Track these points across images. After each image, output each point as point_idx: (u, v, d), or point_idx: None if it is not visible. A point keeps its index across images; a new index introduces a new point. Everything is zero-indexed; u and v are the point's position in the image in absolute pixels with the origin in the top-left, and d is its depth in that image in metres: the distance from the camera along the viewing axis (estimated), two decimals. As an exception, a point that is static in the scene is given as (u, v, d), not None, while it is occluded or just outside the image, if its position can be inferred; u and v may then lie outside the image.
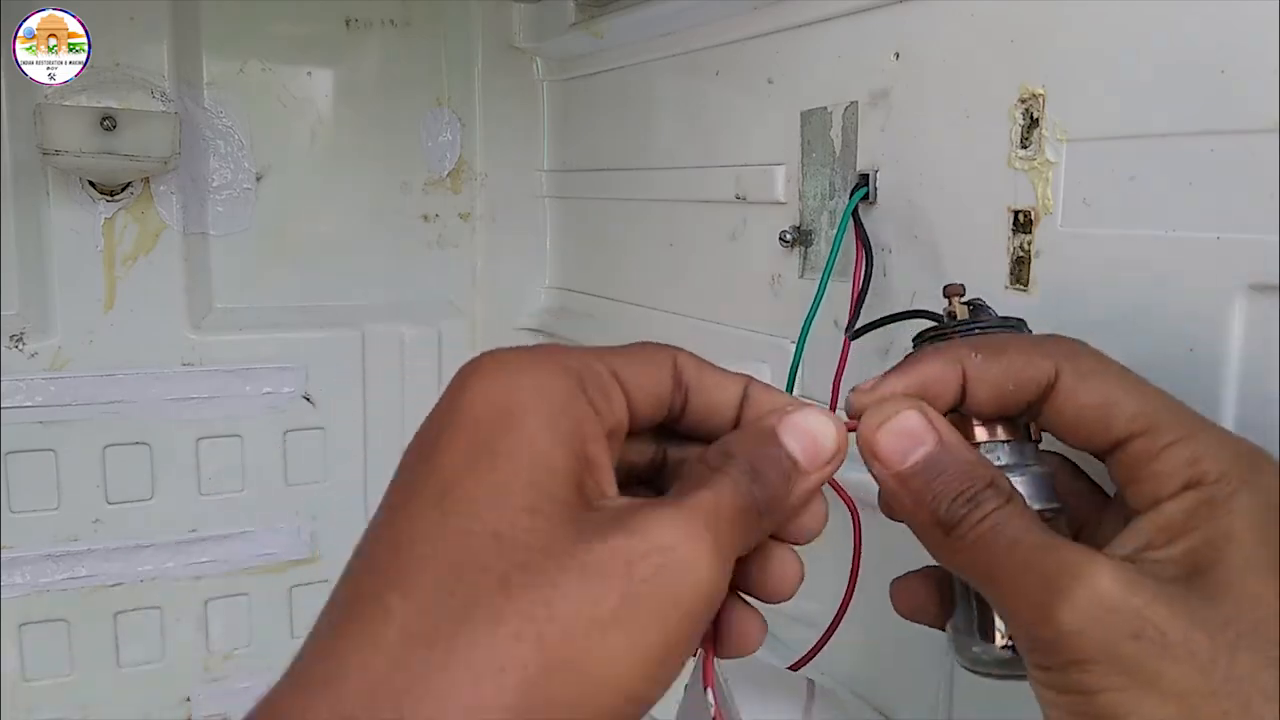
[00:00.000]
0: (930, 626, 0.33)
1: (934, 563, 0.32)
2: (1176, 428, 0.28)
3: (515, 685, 0.21)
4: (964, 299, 0.33)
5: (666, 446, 0.30)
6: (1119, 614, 0.25)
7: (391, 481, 0.25)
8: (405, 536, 0.24)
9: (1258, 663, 0.25)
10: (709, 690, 0.28)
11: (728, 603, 0.28)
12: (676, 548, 0.23)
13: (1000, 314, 0.33)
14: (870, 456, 0.28)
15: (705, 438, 0.29)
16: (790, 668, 0.37)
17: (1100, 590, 0.26)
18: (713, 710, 0.28)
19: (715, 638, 0.28)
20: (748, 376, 0.30)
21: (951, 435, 0.28)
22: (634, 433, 0.28)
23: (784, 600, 0.28)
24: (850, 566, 0.38)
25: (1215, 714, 0.24)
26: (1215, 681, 0.24)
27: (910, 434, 0.28)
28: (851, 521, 0.39)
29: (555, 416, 0.25)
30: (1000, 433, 0.30)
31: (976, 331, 0.31)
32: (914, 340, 0.33)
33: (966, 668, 0.32)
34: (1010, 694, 0.41)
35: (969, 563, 0.28)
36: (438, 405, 0.26)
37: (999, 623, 0.30)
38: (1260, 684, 0.24)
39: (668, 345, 0.29)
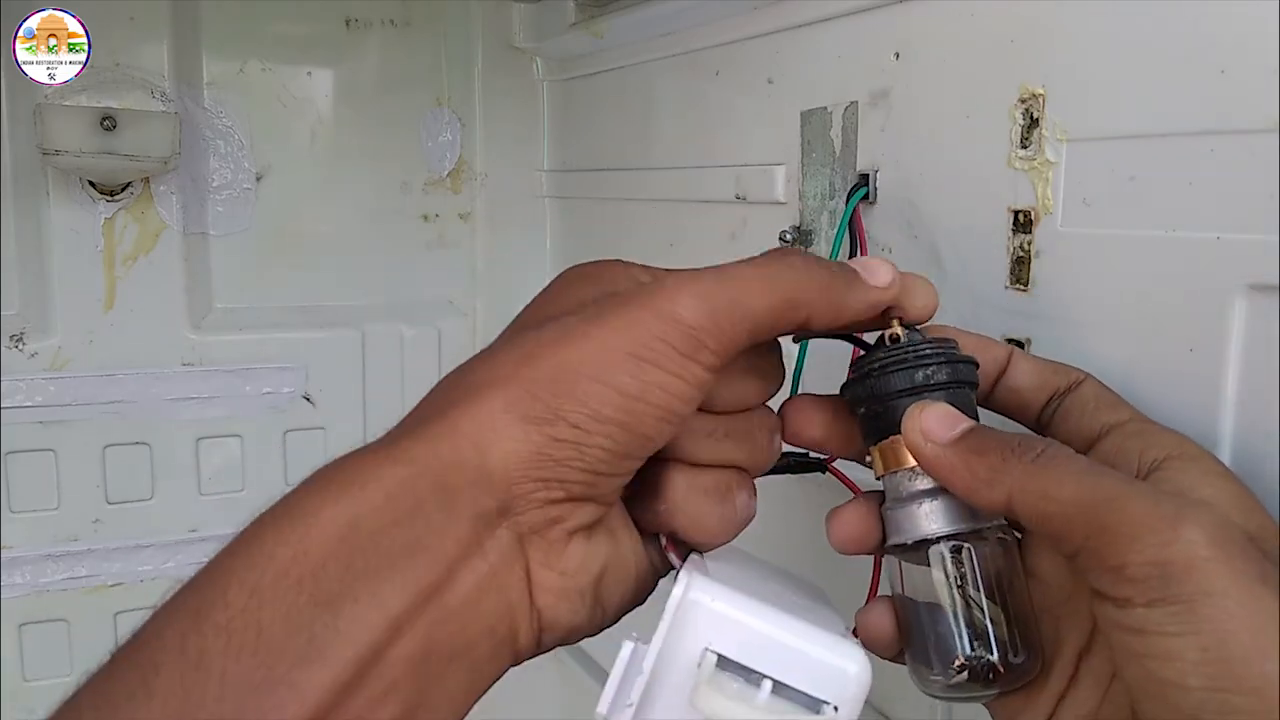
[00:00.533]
0: (882, 656, 0.34)
1: (889, 593, 0.33)
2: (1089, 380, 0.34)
3: (511, 373, 0.28)
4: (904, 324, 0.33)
5: None
6: (1239, 534, 0.26)
7: None
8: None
9: None
10: (670, 553, 0.31)
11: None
12: (649, 288, 0.29)
13: (936, 336, 0.33)
14: (921, 438, 0.31)
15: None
16: None
17: (1219, 511, 0.26)
18: (664, 543, 0.31)
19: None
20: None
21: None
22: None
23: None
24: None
25: None
26: None
27: (950, 415, 0.31)
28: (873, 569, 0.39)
29: (597, 274, 0.32)
30: None
31: (903, 358, 0.32)
32: (851, 366, 0.34)
33: (928, 694, 0.32)
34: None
35: (1037, 497, 0.28)
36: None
37: (958, 646, 0.31)
38: None
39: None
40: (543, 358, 0.28)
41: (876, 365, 0.32)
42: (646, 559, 0.33)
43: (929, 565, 0.31)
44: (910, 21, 0.45)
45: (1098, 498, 0.27)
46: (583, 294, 0.31)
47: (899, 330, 0.33)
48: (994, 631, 0.30)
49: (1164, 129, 0.34)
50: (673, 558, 0.32)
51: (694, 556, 0.30)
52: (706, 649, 0.27)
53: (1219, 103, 0.32)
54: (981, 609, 0.31)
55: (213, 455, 0.80)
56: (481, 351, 0.31)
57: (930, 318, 0.34)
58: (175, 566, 0.80)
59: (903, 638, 0.33)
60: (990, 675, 0.30)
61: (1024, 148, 0.39)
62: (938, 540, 0.31)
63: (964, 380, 0.32)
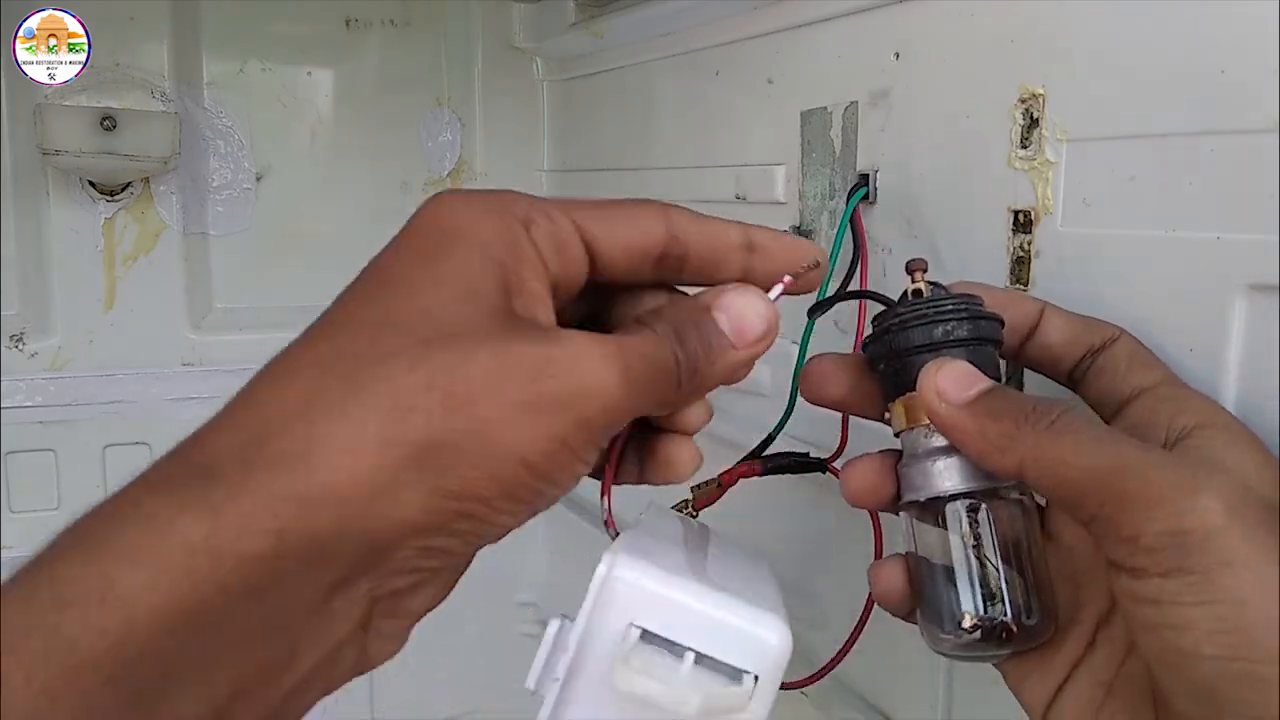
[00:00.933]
0: (896, 614, 0.34)
1: (903, 550, 0.33)
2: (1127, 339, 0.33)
3: (422, 425, 0.23)
4: (927, 276, 0.33)
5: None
6: (1258, 502, 0.25)
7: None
8: (339, 306, 0.27)
9: None
10: (604, 499, 0.31)
11: (658, 435, 0.31)
12: (583, 359, 0.25)
13: (961, 292, 0.33)
14: (935, 397, 0.30)
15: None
16: (812, 677, 0.38)
17: (1238, 480, 0.26)
18: (605, 515, 0.31)
19: (641, 465, 0.31)
20: (756, 227, 0.31)
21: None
22: (617, 284, 0.30)
23: (677, 481, 0.31)
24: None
25: None
26: None
27: (967, 374, 0.30)
28: (872, 525, 0.39)
29: (492, 245, 0.27)
30: None
31: (924, 313, 0.32)
32: (872, 322, 0.34)
33: (938, 651, 0.32)
34: (1010, 694, 0.41)
35: (1051, 464, 0.27)
36: (399, 234, 0.28)
37: (972, 605, 0.31)
38: None
39: (661, 202, 0.30)
40: (464, 412, 0.24)
41: (896, 321, 0.32)
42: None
43: (944, 525, 0.31)
44: (910, 21, 0.45)
45: (1113, 466, 0.26)
46: (477, 283, 0.26)
47: (922, 285, 0.33)
48: (1008, 593, 0.30)
49: (1164, 129, 0.34)
50: (611, 532, 0.31)
51: (627, 533, 0.30)
52: (630, 624, 0.27)
53: (1219, 103, 0.32)
54: (997, 569, 0.31)
55: (213, 455, 0.80)
56: (353, 324, 0.26)
57: (811, 273, 0.32)
58: (175, 566, 0.80)
59: (915, 596, 0.33)
60: (1003, 635, 0.30)
61: (1024, 148, 0.39)
62: (953, 498, 0.31)
63: (986, 337, 0.32)
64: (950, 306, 0.31)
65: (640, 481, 0.32)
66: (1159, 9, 0.34)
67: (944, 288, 0.33)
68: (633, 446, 0.32)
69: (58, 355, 0.75)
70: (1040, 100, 0.38)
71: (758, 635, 0.27)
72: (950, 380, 0.30)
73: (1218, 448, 0.28)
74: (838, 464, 0.38)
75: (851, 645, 0.38)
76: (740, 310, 0.29)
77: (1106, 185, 0.36)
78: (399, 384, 0.24)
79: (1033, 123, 0.39)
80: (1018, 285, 0.40)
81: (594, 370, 0.25)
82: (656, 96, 0.71)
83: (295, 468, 0.23)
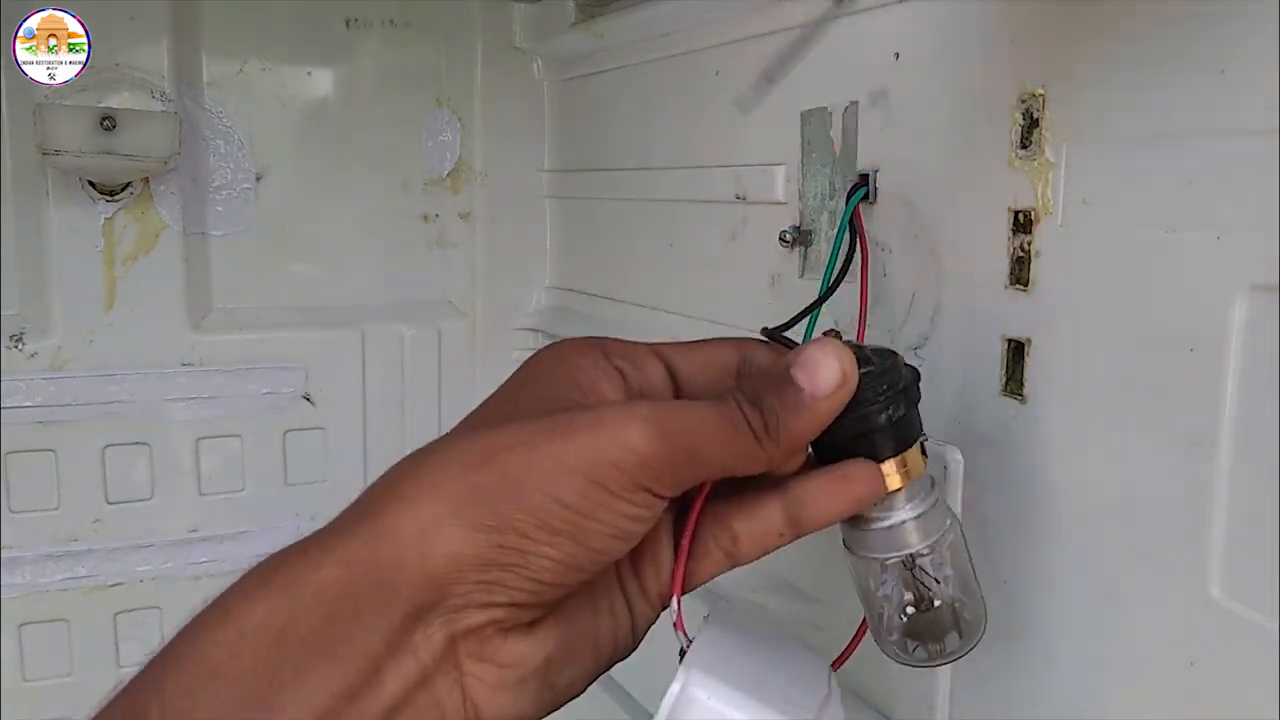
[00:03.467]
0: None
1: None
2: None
3: (459, 475, 0.29)
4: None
5: None
6: None
7: None
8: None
9: None
10: (675, 598, 0.33)
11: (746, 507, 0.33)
12: (608, 414, 0.29)
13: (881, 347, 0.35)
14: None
15: None
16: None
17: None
18: (675, 617, 0.33)
19: (689, 550, 0.33)
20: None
21: None
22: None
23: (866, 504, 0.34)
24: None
25: None
26: None
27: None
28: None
29: (569, 367, 0.32)
30: None
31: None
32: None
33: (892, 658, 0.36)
34: (1010, 693, 0.41)
35: None
36: None
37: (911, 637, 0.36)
38: None
39: (737, 338, 0.36)
40: (495, 463, 0.28)
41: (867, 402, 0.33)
42: (617, 627, 0.33)
43: (885, 571, 0.35)
44: (910, 21, 0.45)
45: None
46: (550, 393, 0.32)
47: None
48: (947, 618, 0.35)
49: (1164, 129, 0.34)
50: (681, 636, 0.33)
51: (698, 645, 0.32)
52: None
53: (1219, 103, 0.32)
54: (932, 601, 0.35)
55: (213, 455, 0.80)
56: (443, 438, 0.31)
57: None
58: (175, 566, 0.80)
59: (871, 623, 0.37)
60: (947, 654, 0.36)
61: (1024, 148, 0.39)
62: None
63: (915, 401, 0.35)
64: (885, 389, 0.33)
65: (732, 564, 0.34)
66: (1159, 9, 0.34)
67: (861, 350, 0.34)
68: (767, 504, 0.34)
69: (58, 355, 0.75)
70: (1040, 100, 0.38)
71: None
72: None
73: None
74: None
75: (854, 647, 0.38)
76: (816, 363, 0.31)
77: (1106, 185, 0.36)
78: (448, 454, 0.29)
79: (1033, 123, 0.39)
80: (1018, 285, 0.40)
81: (616, 422, 0.29)
82: (656, 96, 0.71)
83: (364, 519, 0.29)
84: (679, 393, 0.34)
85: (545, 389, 0.32)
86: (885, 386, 0.33)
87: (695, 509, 0.33)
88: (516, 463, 0.28)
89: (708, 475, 0.31)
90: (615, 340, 0.34)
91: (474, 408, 0.34)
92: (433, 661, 0.28)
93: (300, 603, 0.27)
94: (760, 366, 0.35)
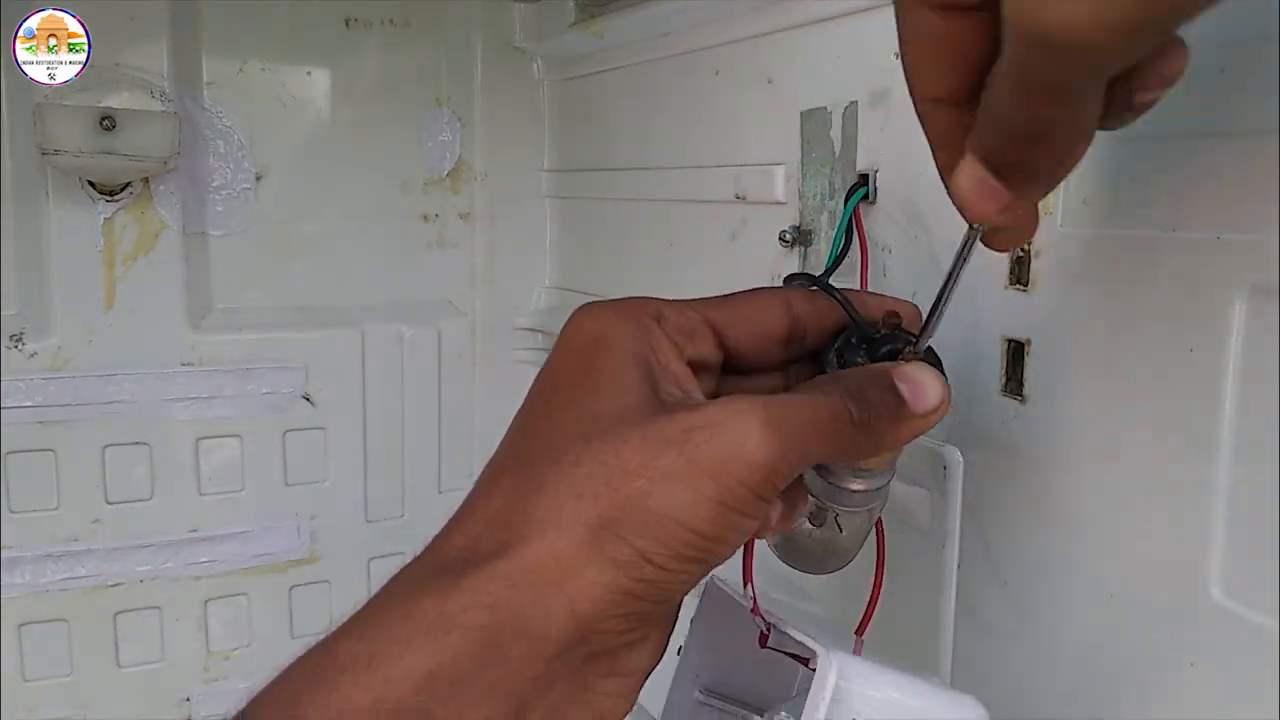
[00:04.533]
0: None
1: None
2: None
3: (590, 509, 0.28)
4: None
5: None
6: None
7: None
8: (523, 418, 0.32)
9: None
10: (748, 586, 0.33)
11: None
12: (727, 423, 0.28)
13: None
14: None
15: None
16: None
17: None
18: (750, 604, 0.33)
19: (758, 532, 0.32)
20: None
21: None
22: (745, 369, 0.35)
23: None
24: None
25: None
26: None
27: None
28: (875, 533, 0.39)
29: (632, 342, 0.31)
30: None
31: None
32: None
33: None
34: (1010, 693, 0.41)
35: None
36: (554, 347, 0.33)
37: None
38: None
39: (782, 289, 0.36)
40: (626, 494, 0.28)
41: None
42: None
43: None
44: (910, 21, 0.45)
45: None
46: (634, 382, 0.30)
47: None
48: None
49: (1164, 129, 0.34)
50: (759, 621, 0.34)
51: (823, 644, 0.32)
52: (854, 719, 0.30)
53: (1219, 103, 0.32)
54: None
55: (213, 455, 0.80)
56: (546, 436, 0.30)
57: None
58: (175, 566, 0.80)
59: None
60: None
61: (1024, 148, 0.39)
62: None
63: None
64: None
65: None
66: (1159, 9, 0.34)
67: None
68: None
69: (57, 355, 0.75)
70: (1040, 100, 0.38)
71: (964, 716, 0.33)
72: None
73: None
74: None
75: (869, 617, 0.38)
76: (919, 380, 0.32)
77: (1106, 185, 0.36)
78: (569, 478, 0.28)
79: (1033, 123, 0.39)
80: (1018, 285, 0.40)
81: (738, 433, 0.28)
82: (656, 96, 0.71)
83: (500, 557, 0.28)
84: (727, 360, 0.34)
85: (631, 376, 0.30)
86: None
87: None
88: (650, 493, 0.28)
89: (813, 463, 0.32)
90: (662, 304, 0.33)
91: (535, 378, 0.33)
92: (568, 687, 0.29)
93: (448, 648, 0.27)
94: (808, 327, 0.35)
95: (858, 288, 0.46)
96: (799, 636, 0.33)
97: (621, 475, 0.28)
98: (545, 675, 0.28)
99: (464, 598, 0.27)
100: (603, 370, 0.31)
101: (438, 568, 0.29)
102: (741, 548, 0.31)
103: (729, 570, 0.33)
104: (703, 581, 0.36)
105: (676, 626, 0.32)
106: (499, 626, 0.27)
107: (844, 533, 0.38)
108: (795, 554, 0.39)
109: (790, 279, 0.37)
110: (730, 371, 0.35)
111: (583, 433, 0.29)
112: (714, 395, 0.34)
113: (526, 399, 0.32)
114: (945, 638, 0.43)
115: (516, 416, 0.32)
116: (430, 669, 0.27)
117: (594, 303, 0.33)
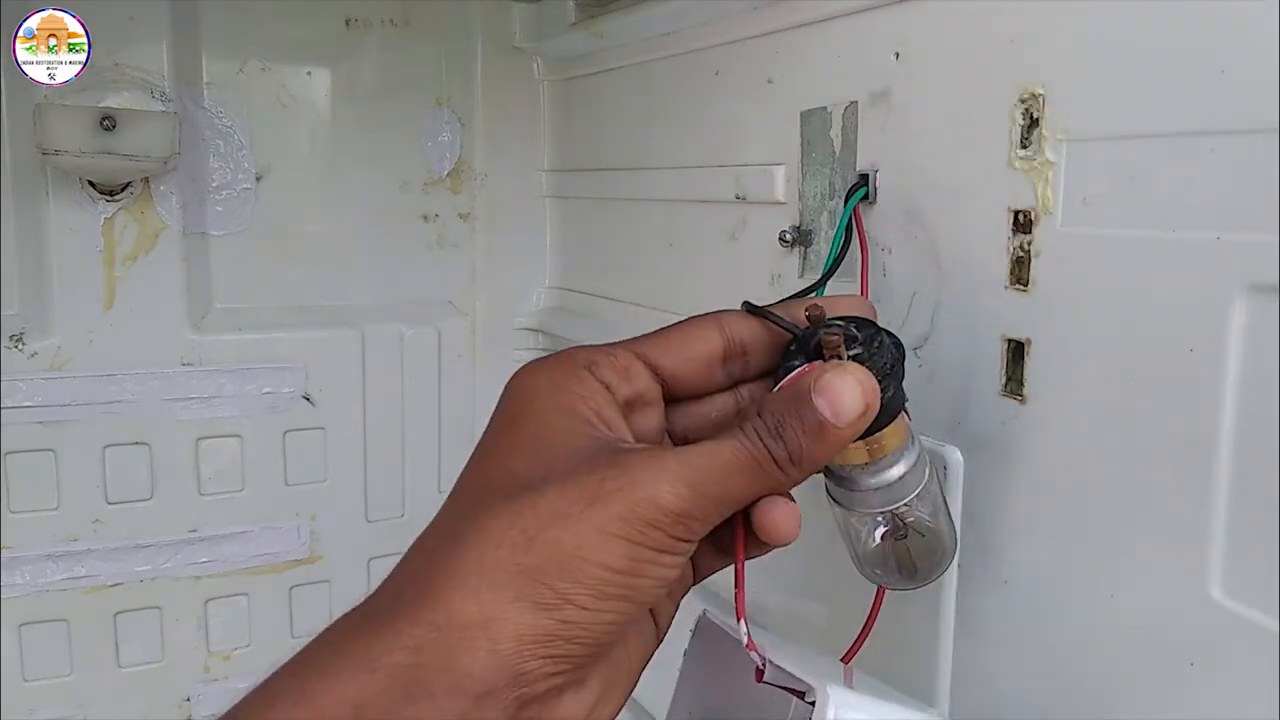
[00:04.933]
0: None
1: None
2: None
3: (508, 556, 0.29)
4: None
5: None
6: None
7: None
8: (453, 489, 0.33)
9: None
10: (742, 622, 0.33)
11: (762, 502, 0.33)
12: (639, 474, 0.30)
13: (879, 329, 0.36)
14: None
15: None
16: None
17: None
18: (745, 640, 0.33)
19: (745, 539, 0.33)
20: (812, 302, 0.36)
21: None
22: (690, 395, 0.36)
23: (785, 544, 0.34)
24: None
25: None
26: None
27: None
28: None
29: (561, 394, 0.33)
30: None
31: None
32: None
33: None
34: (1009, 693, 0.41)
35: None
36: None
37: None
38: None
39: (717, 313, 0.37)
40: (543, 543, 0.29)
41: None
42: (646, 641, 0.35)
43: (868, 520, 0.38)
44: (910, 21, 0.45)
45: None
46: (562, 437, 0.32)
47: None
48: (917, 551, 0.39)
49: (1164, 129, 0.34)
50: (755, 656, 0.34)
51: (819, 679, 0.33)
52: None
53: (1219, 103, 0.32)
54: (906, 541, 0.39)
55: (213, 455, 0.80)
56: (475, 500, 0.31)
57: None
58: (175, 566, 0.80)
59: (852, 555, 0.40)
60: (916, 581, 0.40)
61: (1024, 148, 0.39)
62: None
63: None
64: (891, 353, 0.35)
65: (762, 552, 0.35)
66: (1159, 9, 0.34)
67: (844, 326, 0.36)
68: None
69: (57, 355, 0.75)
70: (1040, 100, 0.38)
71: None
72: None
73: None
74: None
75: (860, 645, 0.39)
76: (837, 391, 0.32)
77: (1106, 185, 0.36)
78: (487, 529, 0.30)
79: (1033, 123, 0.39)
80: (1018, 285, 0.40)
81: (650, 485, 0.30)
82: (656, 96, 0.71)
83: (423, 604, 0.29)
84: (668, 390, 0.36)
85: (554, 430, 0.32)
86: (874, 372, 0.33)
87: (739, 535, 0.33)
88: (563, 539, 0.29)
89: (738, 508, 0.33)
90: (592, 351, 0.34)
91: (477, 434, 0.34)
92: None
93: (375, 683, 0.28)
94: (748, 346, 0.36)
95: (858, 288, 0.46)
96: (795, 672, 0.33)
97: (537, 524, 0.29)
98: (475, 714, 0.28)
99: (388, 640, 0.29)
100: (526, 429, 0.33)
101: (368, 613, 0.30)
102: (675, 583, 0.33)
103: (723, 587, 0.34)
104: (696, 615, 0.37)
105: (640, 683, 0.34)
106: (422, 666, 0.28)
107: (924, 531, 0.38)
108: (908, 576, 0.39)
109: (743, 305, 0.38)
110: (677, 399, 0.36)
111: (503, 489, 0.31)
112: (659, 427, 0.36)
113: (472, 454, 0.34)
114: (945, 638, 0.43)
115: (456, 479, 0.34)
116: (357, 702, 0.28)
117: (531, 361, 0.35)
